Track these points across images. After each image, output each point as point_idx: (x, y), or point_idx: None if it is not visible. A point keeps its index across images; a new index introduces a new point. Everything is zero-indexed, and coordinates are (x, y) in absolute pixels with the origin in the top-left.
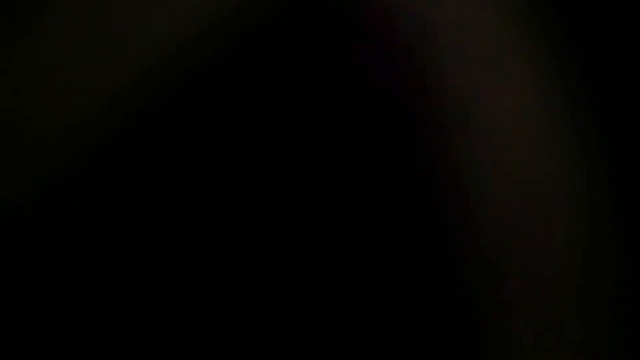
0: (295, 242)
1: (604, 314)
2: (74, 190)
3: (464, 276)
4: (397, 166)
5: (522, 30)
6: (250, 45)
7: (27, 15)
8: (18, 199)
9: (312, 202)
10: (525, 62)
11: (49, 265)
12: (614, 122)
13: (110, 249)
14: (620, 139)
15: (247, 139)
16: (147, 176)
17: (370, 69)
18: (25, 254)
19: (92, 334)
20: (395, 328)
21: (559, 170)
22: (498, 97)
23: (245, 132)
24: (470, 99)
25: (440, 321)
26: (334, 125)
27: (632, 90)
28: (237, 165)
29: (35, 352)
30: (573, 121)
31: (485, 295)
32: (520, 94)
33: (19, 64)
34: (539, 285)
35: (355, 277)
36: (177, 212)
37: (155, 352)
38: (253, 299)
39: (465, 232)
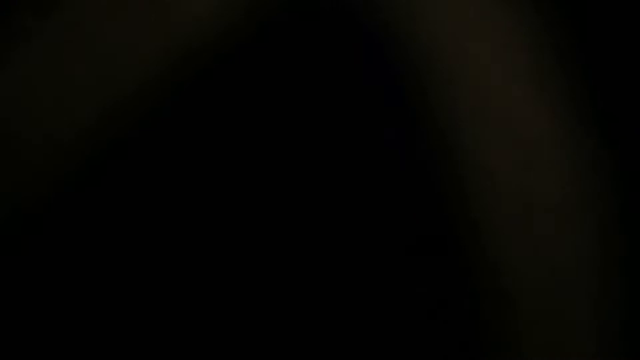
0: (295, 242)
1: (614, 321)
2: (75, 192)
3: (466, 276)
4: (397, 166)
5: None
6: (250, 49)
7: (28, 22)
8: (23, 201)
9: (312, 202)
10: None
11: (50, 266)
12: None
13: (110, 249)
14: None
15: (248, 140)
16: (148, 179)
17: (370, 69)
18: (25, 254)
19: (92, 334)
20: (396, 328)
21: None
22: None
23: (245, 134)
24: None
25: (441, 321)
26: (334, 125)
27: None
28: (237, 166)
29: (35, 352)
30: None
31: (489, 295)
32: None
33: (23, 69)
34: (544, 282)
35: (355, 277)
36: (177, 212)
37: (156, 352)
38: (253, 299)
39: (465, 232)
